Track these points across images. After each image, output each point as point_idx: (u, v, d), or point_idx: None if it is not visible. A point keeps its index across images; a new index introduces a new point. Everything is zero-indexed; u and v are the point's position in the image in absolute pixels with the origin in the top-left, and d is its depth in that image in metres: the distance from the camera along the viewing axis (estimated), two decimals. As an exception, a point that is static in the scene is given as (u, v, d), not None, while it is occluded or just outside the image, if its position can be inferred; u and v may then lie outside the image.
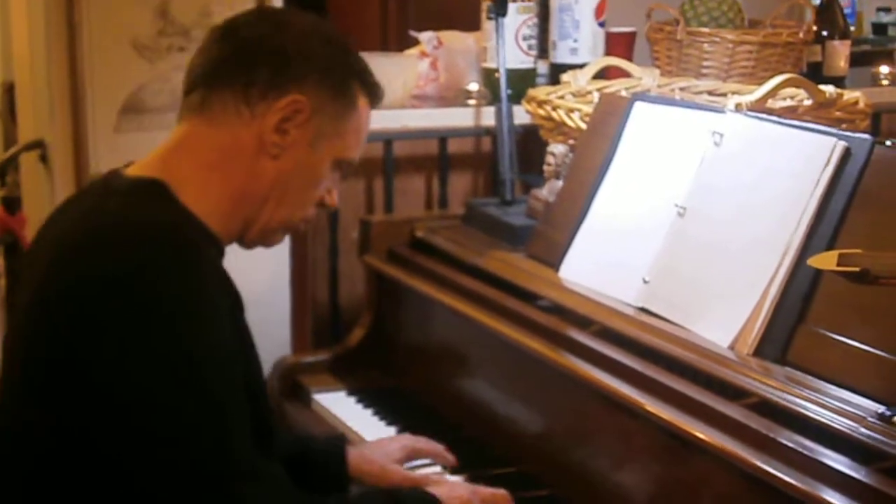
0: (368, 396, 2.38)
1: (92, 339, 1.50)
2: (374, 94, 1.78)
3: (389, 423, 2.24)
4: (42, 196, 2.67)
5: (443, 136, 2.83)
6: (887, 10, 4.90)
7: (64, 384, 1.51)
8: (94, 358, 1.49)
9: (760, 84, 2.14)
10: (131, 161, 1.73)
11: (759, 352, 1.71)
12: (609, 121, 2.18)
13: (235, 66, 1.67)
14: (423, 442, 2.07)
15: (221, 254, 1.69)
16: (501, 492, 1.84)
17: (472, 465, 2.05)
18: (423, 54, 2.96)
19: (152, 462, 1.49)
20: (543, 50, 2.93)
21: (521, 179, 2.65)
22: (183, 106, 1.72)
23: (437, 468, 2.04)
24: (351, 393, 2.42)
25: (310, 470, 1.92)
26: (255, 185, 1.68)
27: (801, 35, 2.81)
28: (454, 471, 2.03)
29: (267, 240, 1.76)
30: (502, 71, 2.63)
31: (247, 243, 1.75)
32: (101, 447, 1.51)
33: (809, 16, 3.14)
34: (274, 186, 1.69)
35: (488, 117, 2.78)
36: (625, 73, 2.62)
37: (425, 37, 2.96)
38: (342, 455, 1.98)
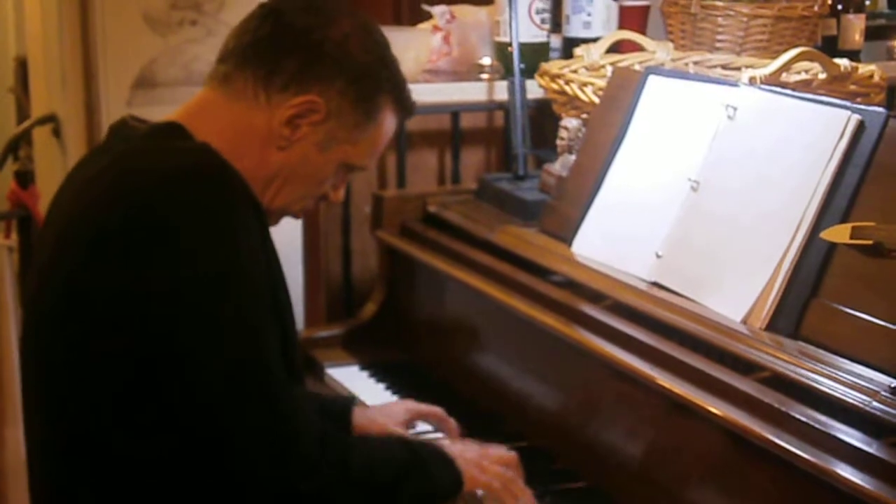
0: (381, 371, 2.39)
1: (136, 273, 1.50)
2: (404, 110, 1.78)
3: (402, 398, 2.24)
4: (55, 170, 2.67)
5: (455, 111, 2.82)
6: (904, -17, 4.86)
7: (110, 314, 1.52)
8: (142, 292, 1.50)
9: (775, 58, 2.13)
10: (143, 118, 1.72)
11: (771, 326, 1.70)
12: (622, 95, 2.17)
13: (267, 50, 1.67)
14: (426, 407, 2.08)
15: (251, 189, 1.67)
16: (510, 454, 1.84)
17: (484, 439, 2.04)
18: (436, 28, 2.95)
19: (198, 373, 1.50)
20: (556, 24, 2.91)
21: (533, 154, 2.65)
22: (211, 72, 1.73)
23: (439, 434, 2.05)
24: (364, 367, 2.42)
25: None
26: (259, 169, 1.68)
27: (815, 9, 2.78)
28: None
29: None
30: (515, 45, 2.62)
31: None
32: (143, 373, 1.51)
33: (824, -11, 3.11)
34: (277, 175, 1.69)
35: (501, 92, 2.77)
36: (638, 47, 2.61)
37: (438, 11, 2.95)
38: (348, 413, 2.00)
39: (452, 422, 2.06)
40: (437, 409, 2.08)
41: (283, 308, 1.64)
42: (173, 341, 1.50)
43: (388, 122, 1.76)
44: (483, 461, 1.79)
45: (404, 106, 1.77)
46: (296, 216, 1.79)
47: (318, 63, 1.66)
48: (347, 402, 2.04)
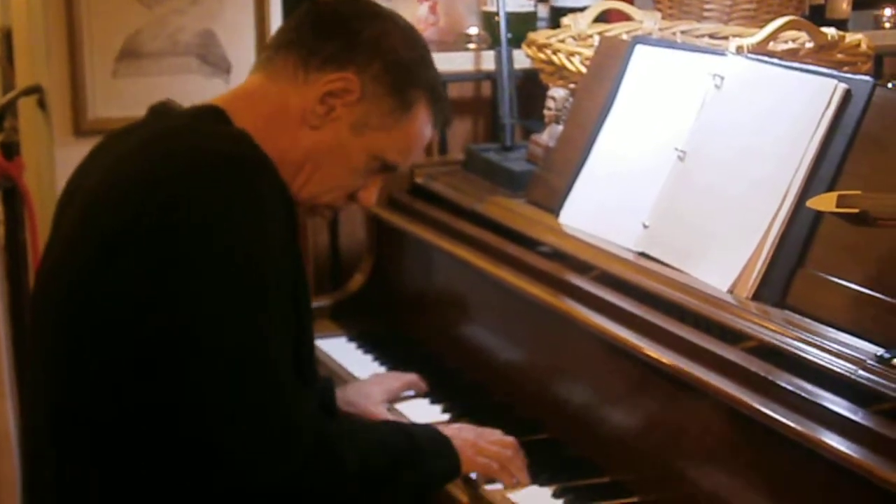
0: (369, 342, 2.39)
1: (154, 280, 1.50)
2: (439, 115, 1.79)
3: (390, 369, 2.24)
4: (40, 141, 2.66)
5: (442, 81, 2.80)
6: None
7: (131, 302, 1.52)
8: (163, 269, 1.50)
9: (762, 27, 2.12)
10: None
11: (758, 295, 1.71)
12: (610, 64, 2.17)
13: (309, 32, 1.72)
14: (400, 383, 2.11)
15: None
16: (508, 439, 1.84)
17: (471, 409, 2.05)
18: (423, -2, 2.94)
19: (193, 379, 1.50)
20: (544, -7, 2.91)
21: (521, 124, 2.64)
22: (257, 60, 1.79)
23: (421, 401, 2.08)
24: (351, 339, 2.42)
25: None
26: (293, 150, 1.69)
27: (803, -23, 2.78)
28: (453, 416, 2.04)
29: None
30: (502, 14, 2.61)
31: None
32: (148, 365, 1.51)
33: (812, -43, 3.11)
34: (309, 157, 1.70)
35: (488, 62, 2.77)
36: (626, 17, 2.60)
37: (425, -20, 2.94)
38: (331, 398, 1.98)
39: (422, 383, 2.12)
40: (406, 379, 2.12)
41: (302, 306, 1.64)
42: (179, 329, 1.50)
43: (423, 121, 1.77)
44: (480, 442, 1.80)
45: (439, 110, 1.79)
46: (322, 213, 1.80)
47: (356, 46, 1.70)
48: (329, 389, 2.02)
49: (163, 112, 1.72)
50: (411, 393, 2.12)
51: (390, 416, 2.02)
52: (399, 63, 1.72)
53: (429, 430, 1.80)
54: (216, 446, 1.51)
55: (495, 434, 1.85)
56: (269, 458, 1.52)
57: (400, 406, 2.09)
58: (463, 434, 1.81)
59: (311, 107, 1.69)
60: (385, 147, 1.74)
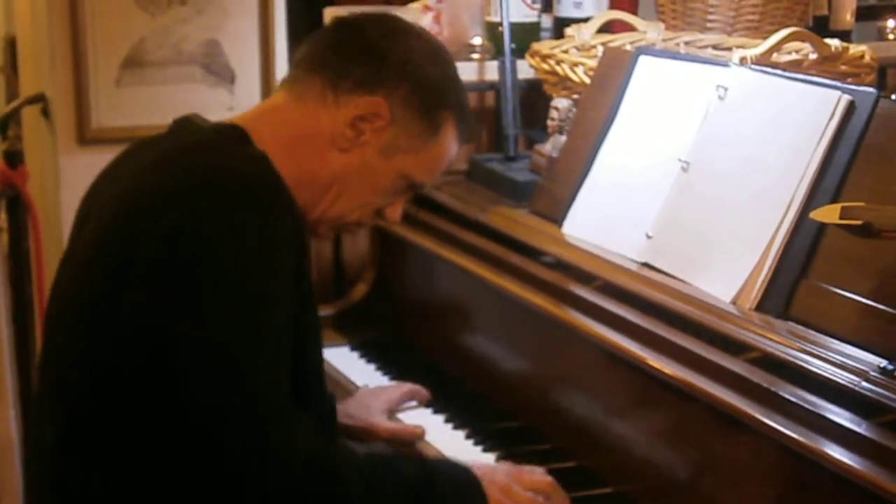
0: (372, 352, 2.39)
1: (162, 287, 1.50)
2: (466, 131, 1.80)
3: (393, 378, 2.24)
4: (44, 150, 2.66)
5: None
6: (895, -37, 4.85)
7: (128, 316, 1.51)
8: (166, 286, 1.50)
9: (766, 38, 2.12)
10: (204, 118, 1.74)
11: (761, 306, 1.71)
12: (613, 75, 2.17)
13: (337, 55, 1.72)
14: (401, 394, 2.10)
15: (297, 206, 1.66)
16: (545, 479, 1.76)
17: (474, 420, 2.05)
18: (427, 8, 2.94)
19: (179, 389, 1.48)
20: (547, 3, 2.91)
21: (524, 134, 2.64)
22: (283, 78, 1.79)
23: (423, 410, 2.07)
24: (354, 348, 2.42)
25: None
26: (320, 172, 1.70)
27: (807, -11, 2.78)
28: (455, 426, 2.04)
29: (316, 230, 1.77)
30: (506, 25, 2.61)
31: None
32: (136, 382, 1.50)
33: (816, -31, 3.11)
34: (336, 179, 1.71)
35: (492, 72, 2.77)
36: (629, 27, 2.60)
37: (429, -9, 2.94)
38: (332, 412, 1.97)
39: (424, 391, 2.11)
40: (407, 390, 2.10)
41: (305, 332, 1.63)
42: (180, 346, 1.49)
43: (451, 141, 1.78)
44: (514, 486, 1.71)
45: (466, 128, 1.80)
46: (350, 230, 1.81)
47: (384, 69, 1.71)
48: (330, 404, 2.00)
49: (186, 126, 1.71)
50: (413, 403, 2.12)
51: (391, 425, 2.01)
52: (427, 84, 1.73)
53: (455, 469, 1.71)
54: (208, 463, 1.49)
55: (534, 474, 1.76)
56: (259, 478, 1.49)
57: (402, 416, 2.08)
58: (496, 477, 1.71)
59: (341, 130, 1.70)
60: (413, 168, 1.75)
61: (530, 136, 2.65)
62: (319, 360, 1.73)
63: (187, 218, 1.52)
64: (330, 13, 2.73)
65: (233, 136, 1.66)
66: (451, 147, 1.79)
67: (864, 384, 1.46)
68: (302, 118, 1.71)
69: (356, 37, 1.74)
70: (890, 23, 3.30)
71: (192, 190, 1.54)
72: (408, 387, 2.13)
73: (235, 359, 1.49)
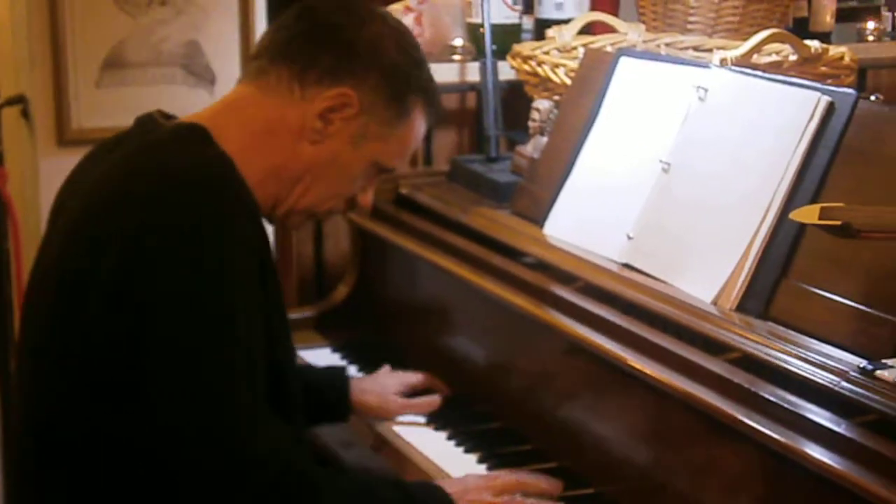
0: (353, 353, 2.38)
1: (126, 275, 1.49)
2: (432, 114, 1.79)
3: (374, 380, 2.24)
4: (23, 151, 2.65)
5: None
6: (875, -35, 4.87)
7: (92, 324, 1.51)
8: (126, 289, 1.49)
9: (746, 39, 2.13)
10: (171, 114, 1.72)
11: (741, 307, 1.71)
12: (594, 76, 2.17)
13: (302, 45, 1.69)
14: (416, 377, 2.14)
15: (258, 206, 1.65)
16: (512, 479, 1.77)
17: (456, 421, 2.05)
18: (408, 9, 2.94)
19: (154, 409, 1.47)
20: (529, 5, 2.91)
21: (505, 136, 2.65)
22: (245, 69, 1.76)
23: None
24: (335, 350, 2.42)
25: (312, 399, 1.94)
26: (290, 164, 1.69)
27: (787, -10, 2.79)
28: (437, 427, 2.04)
29: (289, 221, 1.76)
30: (487, 26, 2.61)
31: (271, 220, 1.74)
32: (110, 379, 1.49)
33: (796, -29, 3.12)
34: (308, 171, 1.70)
35: (473, 73, 2.77)
36: (610, 29, 2.61)
37: (410, -8, 2.94)
38: (345, 386, 2.04)
39: (442, 385, 2.14)
40: (428, 378, 2.15)
41: (276, 333, 1.62)
42: (141, 356, 1.48)
43: (419, 124, 1.77)
44: (485, 495, 1.72)
45: (433, 110, 1.79)
46: (321, 218, 1.79)
47: (352, 58, 1.69)
48: (342, 375, 2.07)
49: (147, 125, 1.69)
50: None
51: (404, 403, 2.06)
52: (395, 70, 1.71)
53: (430, 490, 1.71)
54: (177, 473, 1.48)
55: (504, 476, 1.76)
56: (229, 489, 1.48)
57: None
58: (468, 495, 1.71)
59: (311, 123, 1.68)
60: (383, 154, 1.74)
61: (511, 137, 2.66)
62: (291, 355, 1.73)
63: (140, 234, 1.50)
64: (311, 14, 2.72)
65: (192, 136, 1.63)
66: (420, 130, 1.78)
67: (844, 384, 1.47)
68: (268, 112, 1.68)
69: (321, 25, 1.71)
70: (870, 24, 3.32)
71: (147, 199, 1.52)
72: (426, 376, 2.16)
73: (205, 381, 1.48)
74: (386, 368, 2.18)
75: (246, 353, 1.52)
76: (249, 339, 1.53)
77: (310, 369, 2.12)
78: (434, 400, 2.08)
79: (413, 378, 2.14)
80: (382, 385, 2.09)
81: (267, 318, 1.58)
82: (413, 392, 2.13)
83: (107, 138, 1.74)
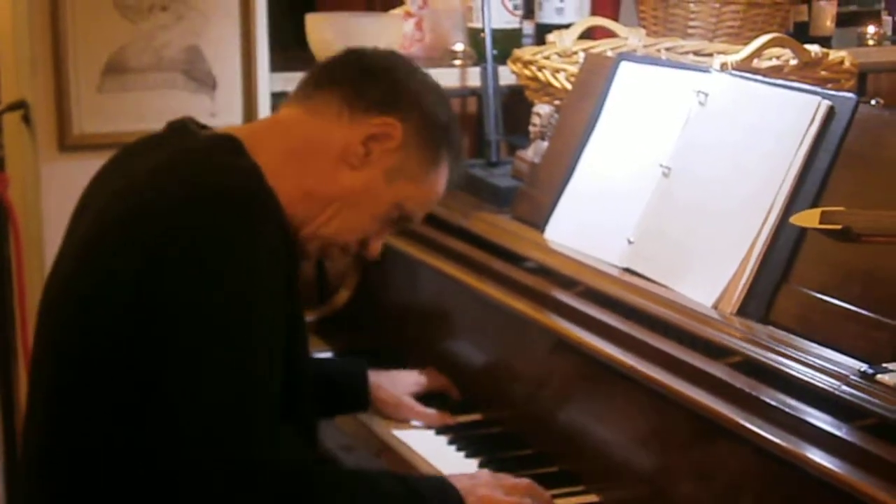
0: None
1: (150, 282, 1.50)
2: (454, 177, 1.82)
3: (375, 384, 2.24)
4: (25, 157, 2.65)
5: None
6: (875, -30, 4.87)
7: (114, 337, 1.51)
8: (150, 296, 1.49)
9: (746, 44, 2.13)
10: (203, 123, 1.74)
11: (742, 311, 1.71)
12: (595, 81, 2.18)
13: (354, 77, 1.74)
14: (432, 378, 2.16)
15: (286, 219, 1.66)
16: (524, 481, 1.77)
17: (457, 425, 2.05)
18: (408, 14, 2.95)
19: (172, 430, 1.48)
20: (529, 10, 2.92)
21: (506, 140, 2.65)
22: (293, 92, 1.79)
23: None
24: (337, 354, 2.42)
25: (332, 391, 1.98)
26: (324, 187, 1.70)
27: (787, -5, 2.79)
28: (438, 431, 2.04)
29: (305, 248, 1.75)
30: (487, 31, 2.61)
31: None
32: (128, 388, 1.50)
33: (796, -25, 3.12)
34: (339, 197, 1.71)
35: (474, 78, 2.77)
36: (611, 34, 2.61)
37: (410, -3, 2.95)
38: (364, 379, 2.06)
39: (455, 390, 2.16)
40: (441, 380, 2.17)
41: (295, 348, 1.63)
42: (160, 364, 1.49)
43: (444, 179, 1.80)
44: (496, 494, 1.71)
45: (456, 174, 1.82)
46: (334, 256, 1.82)
47: (400, 95, 1.74)
48: (362, 367, 2.09)
49: (180, 131, 1.70)
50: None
51: (420, 411, 2.07)
52: (436, 118, 1.76)
53: (438, 484, 1.71)
54: (188, 477, 1.49)
55: (512, 478, 1.76)
56: (241, 495, 1.49)
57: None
58: (478, 490, 1.71)
59: (353, 147, 1.70)
60: (410, 197, 1.77)
61: (512, 142, 2.66)
62: (308, 365, 1.73)
63: (167, 242, 1.51)
64: (311, 19, 2.73)
65: (225, 146, 1.64)
66: (443, 185, 1.81)
67: (845, 388, 1.47)
68: (313, 132, 1.71)
69: (373, 65, 1.76)
70: (870, 28, 3.32)
71: (174, 207, 1.53)
72: (442, 377, 2.17)
73: (223, 392, 1.49)
74: (407, 371, 2.19)
75: (266, 364, 1.53)
76: (270, 351, 1.54)
77: (328, 363, 2.15)
78: (444, 416, 2.07)
79: (429, 379, 2.15)
80: (398, 384, 2.11)
81: (291, 329, 1.59)
82: (427, 394, 2.14)
83: (134, 141, 1.75)
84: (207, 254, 1.50)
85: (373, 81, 1.73)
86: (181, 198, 1.54)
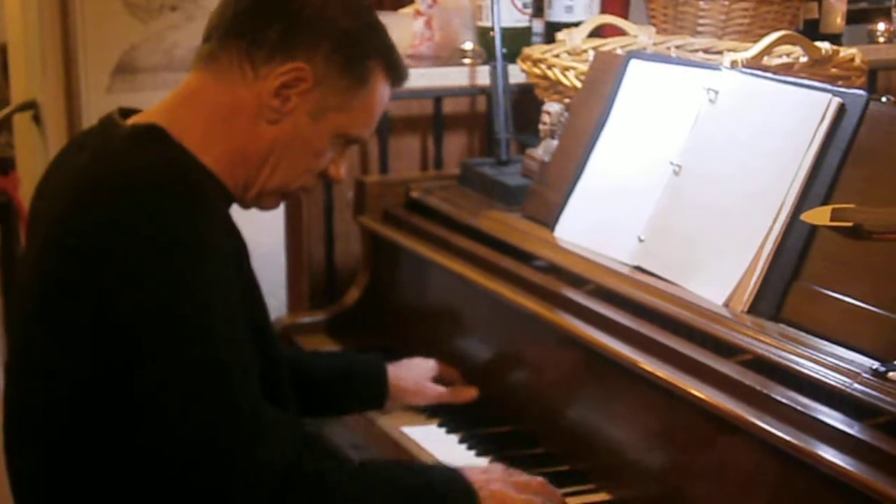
0: (364, 356, 2.38)
1: (102, 286, 1.48)
2: (396, 76, 1.74)
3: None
4: (35, 156, 2.66)
5: (438, 96, 2.81)
6: (885, -33, 4.86)
7: (75, 328, 1.50)
8: (105, 304, 1.48)
9: (756, 41, 2.13)
10: (132, 108, 1.71)
11: (753, 309, 1.71)
12: (604, 79, 2.17)
13: (249, 22, 1.65)
14: (446, 368, 2.17)
15: (228, 199, 1.66)
16: (537, 479, 1.76)
17: (467, 424, 2.05)
18: (418, 13, 2.94)
19: (153, 409, 1.48)
20: (539, 8, 2.91)
21: (516, 139, 2.65)
22: (197, 54, 1.70)
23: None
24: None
25: (351, 386, 2.00)
26: (253, 146, 1.66)
27: (797, -8, 2.79)
28: (448, 430, 2.04)
29: (262, 203, 1.74)
30: (497, 30, 2.61)
31: (244, 204, 1.73)
32: (103, 392, 1.49)
33: (806, -27, 3.11)
34: (272, 151, 1.67)
35: (483, 76, 2.77)
36: (620, 32, 2.60)
37: (420, -5, 2.94)
38: (383, 372, 2.07)
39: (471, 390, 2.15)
40: (454, 372, 2.18)
41: (258, 326, 1.62)
42: (134, 358, 1.48)
43: (381, 89, 1.72)
44: (509, 491, 1.70)
45: (396, 72, 1.73)
46: (297, 195, 1.77)
47: (300, 30, 1.64)
48: (379, 362, 2.10)
49: (108, 127, 1.67)
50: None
51: (439, 391, 2.10)
52: (347, 36, 1.66)
53: (449, 473, 1.71)
54: (178, 478, 1.48)
55: (524, 477, 1.75)
56: (232, 490, 1.48)
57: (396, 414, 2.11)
58: (492, 485, 1.70)
59: (266, 102, 1.64)
60: (347, 125, 1.70)
61: (522, 140, 2.65)
62: (273, 339, 1.71)
63: (110, 241, 1.49)
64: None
65: (147, 137, 1.61)
66: (383, 94, 1.73)
67: (856, 386, 1.46)
68: (223, 97, 1.65)
69: (261, 1, 1.66)
70: (880, 26, 3.31)
71: (110, 211, 1.52)
72: (456, 373, 2.18)
73: (201, 388, 1.48)
74: (422, 358, 2.19)
75: (236, 356, 1.51)
76: (235, 342, 1.52)
77: (346, 356, 2.15)
78: (470, 391, 2.10)
79: (444, 367, 2.17)
80: (418, 371, 2.12)
81: (249, 319, 1.58)
82: (442, 382, 2.15)
83: (74, 137, 1.73)
84: (150, 258, 1.48)
85: (268, 22, 1.63)
86: (112, 203, 1.52)
